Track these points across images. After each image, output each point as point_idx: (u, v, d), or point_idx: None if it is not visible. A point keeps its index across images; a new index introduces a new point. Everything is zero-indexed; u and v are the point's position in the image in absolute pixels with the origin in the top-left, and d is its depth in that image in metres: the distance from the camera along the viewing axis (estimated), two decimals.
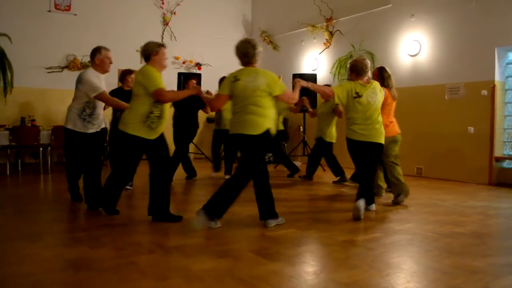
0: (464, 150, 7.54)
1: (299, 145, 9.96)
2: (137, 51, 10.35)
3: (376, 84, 4.82)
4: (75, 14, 9.77)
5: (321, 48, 10.31)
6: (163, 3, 10.94)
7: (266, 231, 3.97)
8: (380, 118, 4.76)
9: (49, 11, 9.54)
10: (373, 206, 4.93)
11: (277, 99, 4.14)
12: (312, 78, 8.88)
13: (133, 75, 6.03)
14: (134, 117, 4.18)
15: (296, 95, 4.31)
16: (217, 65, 10.78)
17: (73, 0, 9.76)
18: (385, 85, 5.34)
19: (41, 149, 7.90)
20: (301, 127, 10.03)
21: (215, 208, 4.00)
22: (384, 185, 5.92)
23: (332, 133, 7.22)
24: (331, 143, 7.24)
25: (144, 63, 4.35)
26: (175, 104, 6.70)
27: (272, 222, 4.12)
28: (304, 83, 4.44)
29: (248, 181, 4.07)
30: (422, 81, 8.20)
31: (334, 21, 9.94)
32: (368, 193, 4.75)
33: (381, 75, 5.47)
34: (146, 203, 4.39)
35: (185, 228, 4.12)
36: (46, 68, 9.49)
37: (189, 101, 6.97)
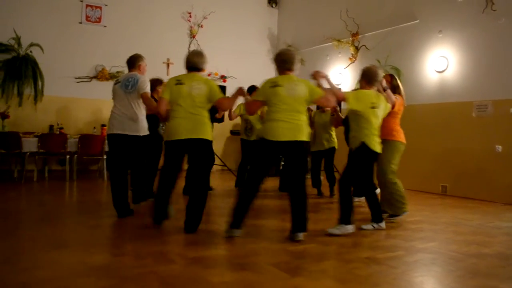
0: (490, 168, 7.38)
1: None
2: (164, 63, 10.62)
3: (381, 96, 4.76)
4: (105, 26, 10.02)
5: (346, 63, 10.30)
6: (190, 16, 11.13)
7: (288, 245, 3.95)
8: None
9: (80, 22, 9.81)
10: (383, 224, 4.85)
11: (316, 102, 4.39)
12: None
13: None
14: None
15: (332, 97, 4.36)
16: (241, 77, 10.86)
17: (104, 13, 10.01)
18: (397, 92, 5.29)
19: (68, 156, 8.07)
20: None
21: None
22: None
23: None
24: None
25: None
26: None
27: (300, 235, 4.10)
28: (323, 74, 4.56)
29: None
30: (449, 98, 8.09)
31: (360, 36, 9.93)
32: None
33: (393, 83, 5.41)
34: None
35: (206, 239, 4.13)
36: (75, 78, 9.72)
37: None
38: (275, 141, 4.06)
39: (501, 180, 7.21)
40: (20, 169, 7.91)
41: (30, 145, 7.80)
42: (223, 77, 11.38)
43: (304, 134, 4.11)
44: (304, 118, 4.15)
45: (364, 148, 4.51)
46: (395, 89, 5.28)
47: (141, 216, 4.95)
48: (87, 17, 9.88)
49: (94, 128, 9.28)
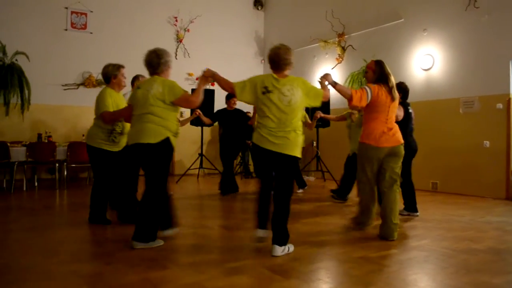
0: (480, 164, 7.46)
1: (312, 161, 9.96)
2: None
3: None
4: (91, 33, 9.96)
5: (333, 63, 10.35)
6: (176, 20, 11.11)
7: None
8: None
9: (66, 29, 9.74)
10: None
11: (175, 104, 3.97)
12: None
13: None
14: (100, 133, 4.73)
15: (196, 97, 4.02)
16: (230, 80, 10.85)
17: (89, 19, 9.96)
18: (383, 82, 4.55)
19: (57, 165, 8.00)
20: (314, 142, 10.02)
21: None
22: None
23: None
24: None
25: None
26: (220, 122, 7.39)
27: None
28: (330, 79, 4.29)
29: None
30: (436, 95, 8.16)
31: (346, 36, 9.98)
32: None
33: (377, 70, 4.64)
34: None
35: (199, 244, 4.12)
36: (62, 85, 9.66)
37: (233, 117, 7.21)
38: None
39: (490, 175, 7.29)
40: (9, 179, 7.82)
41: (18, 154, 7.71)
42: (211, 81, 11.35)
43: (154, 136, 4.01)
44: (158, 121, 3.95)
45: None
46: (382, 78, 4.47)
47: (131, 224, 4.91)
48: (72, 24, 9.82)
49: (83, 135, 9.17)
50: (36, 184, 8.38)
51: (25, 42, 9.15)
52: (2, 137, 8.54)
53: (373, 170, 4.43)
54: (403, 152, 4.46)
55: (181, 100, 3.95)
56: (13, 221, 5.21)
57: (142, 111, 3.92)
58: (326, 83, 4.29)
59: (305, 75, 11.03)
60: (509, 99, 7.12)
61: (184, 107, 4.18)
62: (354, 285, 3.02)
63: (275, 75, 3.83)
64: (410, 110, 5.56)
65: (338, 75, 10.22)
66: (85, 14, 9.92)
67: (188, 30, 11.23)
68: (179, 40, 11.17)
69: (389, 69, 4.56)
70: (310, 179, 10.18)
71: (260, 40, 12.65)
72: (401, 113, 5.19)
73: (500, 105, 7.21)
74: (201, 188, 7.67)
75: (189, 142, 10.64)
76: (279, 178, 3.81)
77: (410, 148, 5.30)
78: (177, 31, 11.18)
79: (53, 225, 4.97)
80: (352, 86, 9.47)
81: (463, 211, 6.04)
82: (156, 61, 4.03)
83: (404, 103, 5.37)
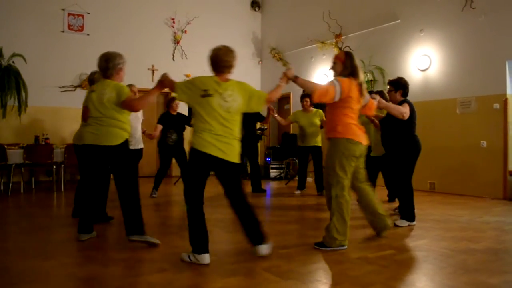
0: (477, 164, 7.47)
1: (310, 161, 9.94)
2: (148, 69, 10.57)
3: None
4: (88, 34, 9.96)
5: (330, 64, 10.33)
6: (174, 22, 11.11)
7: (278, 249, 3.94)
8: None
9: (63, 31, 9.74)
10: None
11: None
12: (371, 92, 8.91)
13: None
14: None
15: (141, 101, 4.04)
16: None
17: (86, 21, 9.95)
18: (351, 75, 4.17)
19: (54, 167, 7.98)
20: None
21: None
22: None
23: None
24: None
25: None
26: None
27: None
28: (290, 74, 4.01)
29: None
30: (433, 96, 8.18)
31: (343, 37, 9.99)
32: None
33: (346, 63, 4.27)
34: (158, 221, 4.40)
35: None
36: (60, 87, 9.65)
37: (247, 117, 7.20)
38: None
39: (488, 175, 7.30)
40: (6, 181, 7.80)
41: (15, 156, 7.69)
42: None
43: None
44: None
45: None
46: (353, 72, 4.11)
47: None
48: (69, 25, 9.81)
49: None
50: (33, 186, 8.36)
51: (22, 44, 9.14)
52: (0, 140, 8.54)
53: (352, 170, 4.05)
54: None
55: (123, 103, 4.00)
56: (11, 224, 5.20)
57: (99, 114, 4.02)
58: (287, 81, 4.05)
59: (303, 76, 11.01)
60: (506, 99, 7.13)
61: (127, 110, 4.11)
62: (352, 286, 3.01)
63: (216, 78, 3.62)
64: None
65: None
66: (82, 16, 9.92)
67: (185, 32, 11.22)
68: (176, 41, 11.16)
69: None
70: (308, 180, 10.17)
71: (257, 41, 12.66)
72: (406, 110, 4.89)
73: (497, 105, 7.22)
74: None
75: (186, 144, 10.61)
76: (231, 187, 3.64)
77: (417, 147, 5.14)
78: (174, 32, 11.18)
79: (50, 227, 4.96)
80: None
81: (461, 211, 6.05)
82: (104, 65, 4.09)
83: (408, 100, 5.13)
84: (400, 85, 5.15)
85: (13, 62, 8.98)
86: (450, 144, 7.85)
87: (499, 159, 7.17)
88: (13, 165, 7.67)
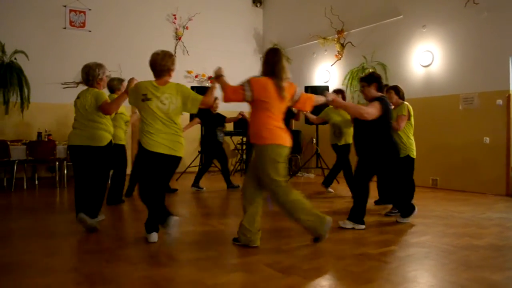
0: (480, 160, 7.46)
1: (312, 158, 9.96)
2: None
3: None
4: (90, 31, 9.95)
5: (332, 60, 10.33)
6: (175, 18, 11.09)
7: (280, 244, 3.95)
8: None
9: (64, 28, 9.73)
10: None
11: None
12: (325, 90, 8.88)
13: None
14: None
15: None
16: (229, 78, 10.78)
17: (88, 17, 9.94)
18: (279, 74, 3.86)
19: (57, 163, 8.00)
20: (314, 139, 10.02)
21: None
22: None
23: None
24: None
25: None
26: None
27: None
28: (219, 72, 4.04)
29: None
30: (435, 92, 8.16)
31: (345, 33, 9.97)
32: None
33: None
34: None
35: (199, 241, 4.12)
36: (62, 84, 9.65)
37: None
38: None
39: (490, 171, 7.29)
40: (10, 178, 7.82)
41: (18, 153, 7.71)
42: (210, 78, 11.36)
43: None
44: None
45: None
46: (271, 70, 3.82)
47: (131, 222, 4.92)
48: (71, 22, 9.80)
49: None
50: (36, 182, 8.38)
51: (24, 41, 9.14)
52: (2, 136, 8.55)
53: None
54: None
55: (100, 108, 4.49)
56: (14, 219, 5.21)
57: (85, 119, 4.52)
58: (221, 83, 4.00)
59: (304, 72, 11.04)
60: (509, 95, 7.11)
61: (103, 113, 4.55)
62: (354, 282, 3.02)
63: (154, 83, 3.92)
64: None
65: (337, 72, 10.22)
66: (84, 12, 9.90)
67: (187, 28, 11.21)
68: (178, 37, 11.14)
69: (284, 62, 3.85)
70: (310, 176, 10.19)
71: (259, 38, 12.63)
72: (370, 110, 4.49)
73: (500, 101, 7.20)
74: (201, 185, 7.68)
75: (188, 140, 10.58)
76: (164, 179, 4.00)
77: (390, 153, 4.71)
78: (176, 28, 11.16)
79: (53, 223, 4.98)
80: (352, 83, 9.46)
81: (463, 207, 6.04)
82: (85, 77, 4.65)
83: (382, 98, 4.64)
84: (372, 79, 4.74)
85: (15, 58, 8.97)
86: (453, 140, 7.83)
87: (502, 155, 7.15)
88: (16, 162, 7.69)
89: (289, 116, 7.33)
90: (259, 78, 3.83)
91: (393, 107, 5.36)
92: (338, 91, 6.77)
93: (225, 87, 3.91)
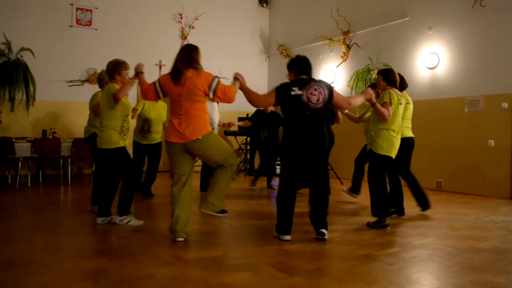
0: (484, 163, 7.43)
1: None
2: (156, 64, 10.59)
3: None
4: (96, 29, 9.98)
5: (338, 61, 10.33)
6: (181, 17, 11.11)
7: (284, 245, 3.96)
8: None
9: (71, 26, 9.77)
10: None
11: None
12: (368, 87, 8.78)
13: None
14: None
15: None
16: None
17: (94, 16, 9.98)
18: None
19: (61, 161, 8.03)
20: None
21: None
22: None
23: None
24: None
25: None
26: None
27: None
28: (139, 69, 4.28)
29: None
30: (441, 94, 8.14)
31: (351, 34, 9.96)
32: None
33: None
34: (165, 215, 4.42)
35: (203, 240, 4.13)
36: (67, 82, 9.69)
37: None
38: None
39: (495, 174, 7.27)
40: (14, 175, 7.86)
41: (23, 150, 7.74)
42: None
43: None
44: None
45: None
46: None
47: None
48: (77, 20, 9.84)
49: None
50: (40, 180, 8.42)
51: (30, 39, 9.19)
52: (7, 133, 8.58)
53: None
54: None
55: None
56: (18, 217, 5.24)
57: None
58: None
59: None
60: None
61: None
62: (357, 283, 3.02)
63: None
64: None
65: (343, 73, 10.21)
66: (90, 11, 9.94)
67: (193, 27, 11.23)
68: (184, 37, 11.17)
69: (199, 57, 3.93)
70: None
71: (265, 38, 12.64)
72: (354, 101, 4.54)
73: (505, 104, 7.18)
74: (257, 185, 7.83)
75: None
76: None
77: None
78: (182, 28, 11.19)
79: (57, 221, 5.00)
80: (357, 84, 9.44)
81: (467, 210, 6.03)
82: (99, 83, 5.41)
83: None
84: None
85: (21, 56, 9.02)
86: (458, 143, 7.81)
87: (507, 158, 7.13)
88: (21, 159, 7.72)
89: (330, 118, 6.66)
90: (164, 75, 4.01)
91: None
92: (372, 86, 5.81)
93: (142, 85, 4.12)
